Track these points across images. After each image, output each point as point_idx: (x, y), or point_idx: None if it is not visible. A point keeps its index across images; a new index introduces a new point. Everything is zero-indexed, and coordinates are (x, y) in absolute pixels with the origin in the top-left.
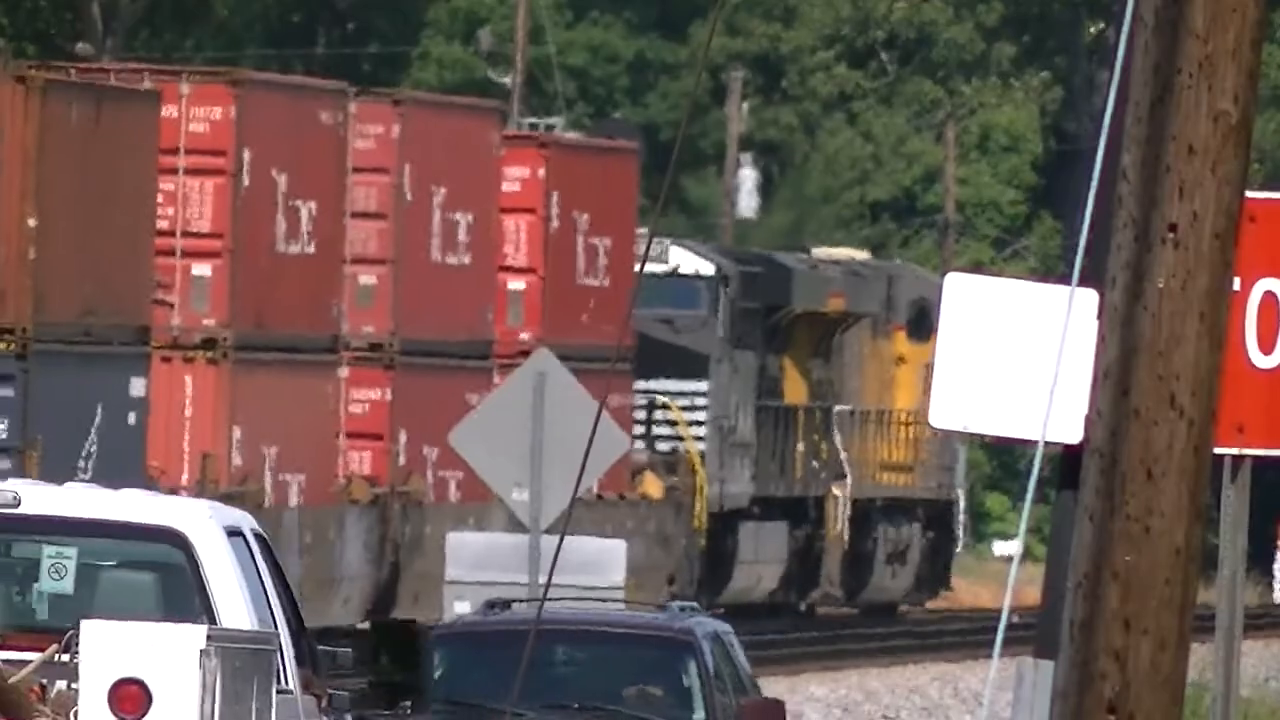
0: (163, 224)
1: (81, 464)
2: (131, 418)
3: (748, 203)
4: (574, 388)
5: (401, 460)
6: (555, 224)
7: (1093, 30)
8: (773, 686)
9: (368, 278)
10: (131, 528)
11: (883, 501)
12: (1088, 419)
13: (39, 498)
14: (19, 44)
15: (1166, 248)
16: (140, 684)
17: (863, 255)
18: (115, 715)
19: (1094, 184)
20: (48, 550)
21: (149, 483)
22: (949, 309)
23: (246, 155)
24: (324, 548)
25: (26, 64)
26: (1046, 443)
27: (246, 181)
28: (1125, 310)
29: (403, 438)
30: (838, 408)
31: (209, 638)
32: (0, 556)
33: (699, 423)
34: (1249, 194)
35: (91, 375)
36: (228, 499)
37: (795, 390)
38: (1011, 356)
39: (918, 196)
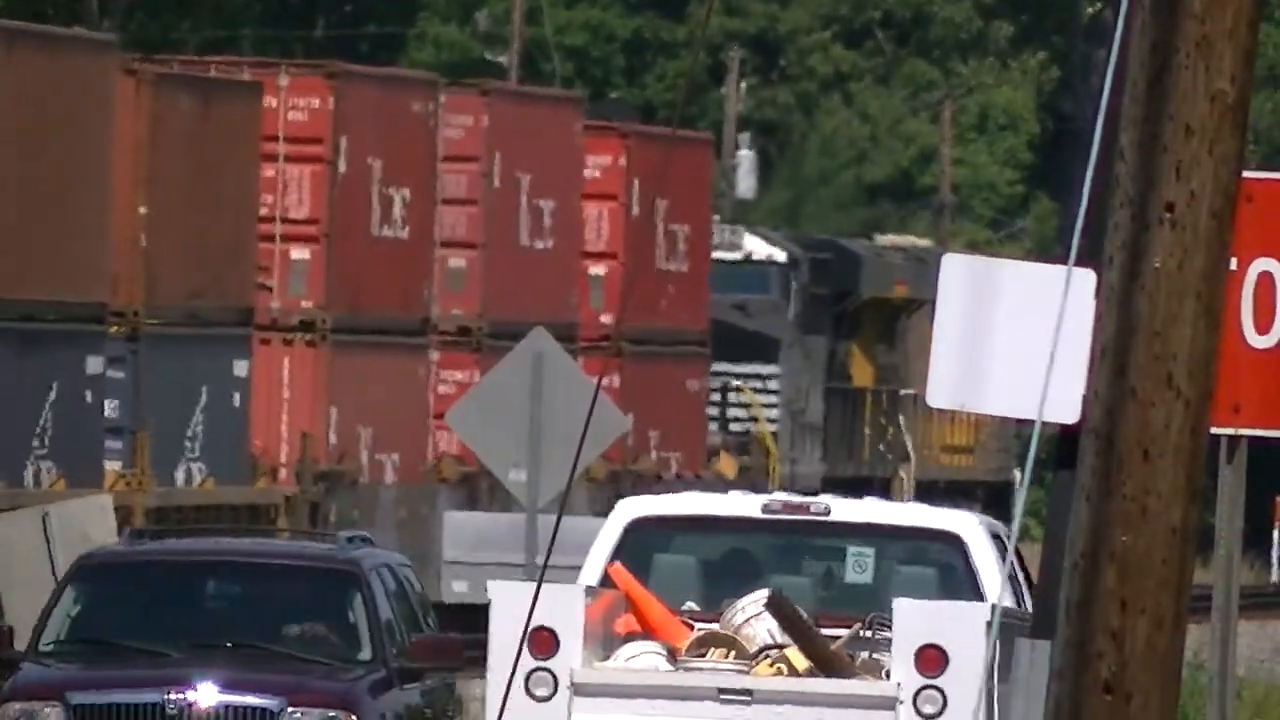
0: (262, 210)
1: (188, 444)
2: (235, 398)
3: (746, 183)
4: (571, 367)
5: None
6: (635, 210)
7: (1090, 10)
8: None
9: (457, 262)
10: (918, 531)
11: (944, 483)
12: (1085, 399)
13: (843, 508)
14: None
15: (1164, 227)
16: (939, 648)
17: (925, 242)
18: (919, 673)
19: (1091, 164)
20: (851, 549)
21: (251, 461)
22: (946, 289)
23: (343, 144)
24: (418, 524)
25: (137, 57)
26: (1044, 422)
27: (343, 169)
28: (1122, 290)
29: None
30: (902, 391)
31: (992, 612)
32: (814, 555)
33: (771, 405)
34: (1246, 174)
35: (198, 357)
36: (325, 477)
37: (862, 374)
38: (1009, 336)
39: (915, 177)
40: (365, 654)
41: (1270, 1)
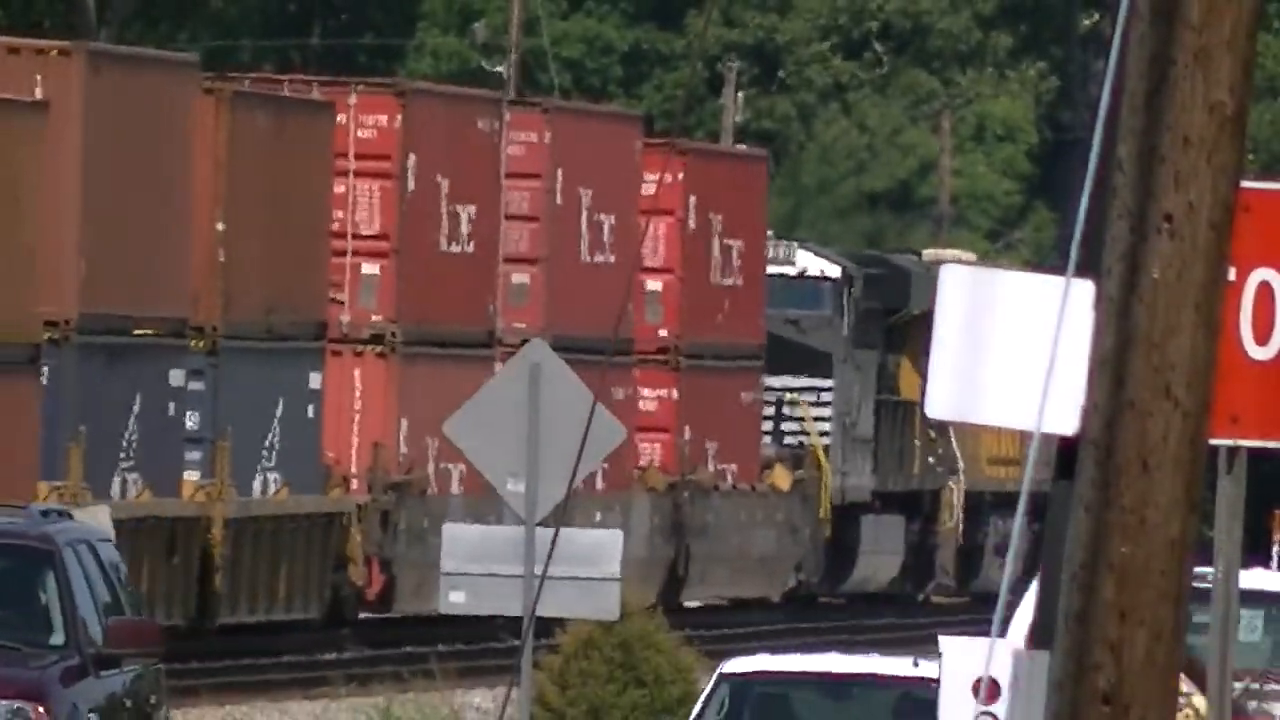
0: (333, 226)
1: (265, 454)
2: (310, 410)
3: None
4: (569, 378)
5: None
6: (692, 226)
7: (1088, 21)
8: None
9: (520, 276)
10: None
11: (991, 495)
12: (1084, 410)
13: (1252, 578)
14: (14, 36)
15: (1162, 238)
16: None
17: (970, 256)
18: None
19: (1090, 174)
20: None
21: (325, 471)
22: (944, 300)
23: (411, 160)
24: None
25: (214, 76)
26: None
27: (411, 185)
28: (1121, 301)
29: None
30: None
31: None
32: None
33: (823, 418)
34: (1245, 184)
35: (274, 370)
36: (396, 487)
37: (911, 388)
38: (1007, 347)
39: (914, 188)
40: (58, 639)
41: (1269, 12)
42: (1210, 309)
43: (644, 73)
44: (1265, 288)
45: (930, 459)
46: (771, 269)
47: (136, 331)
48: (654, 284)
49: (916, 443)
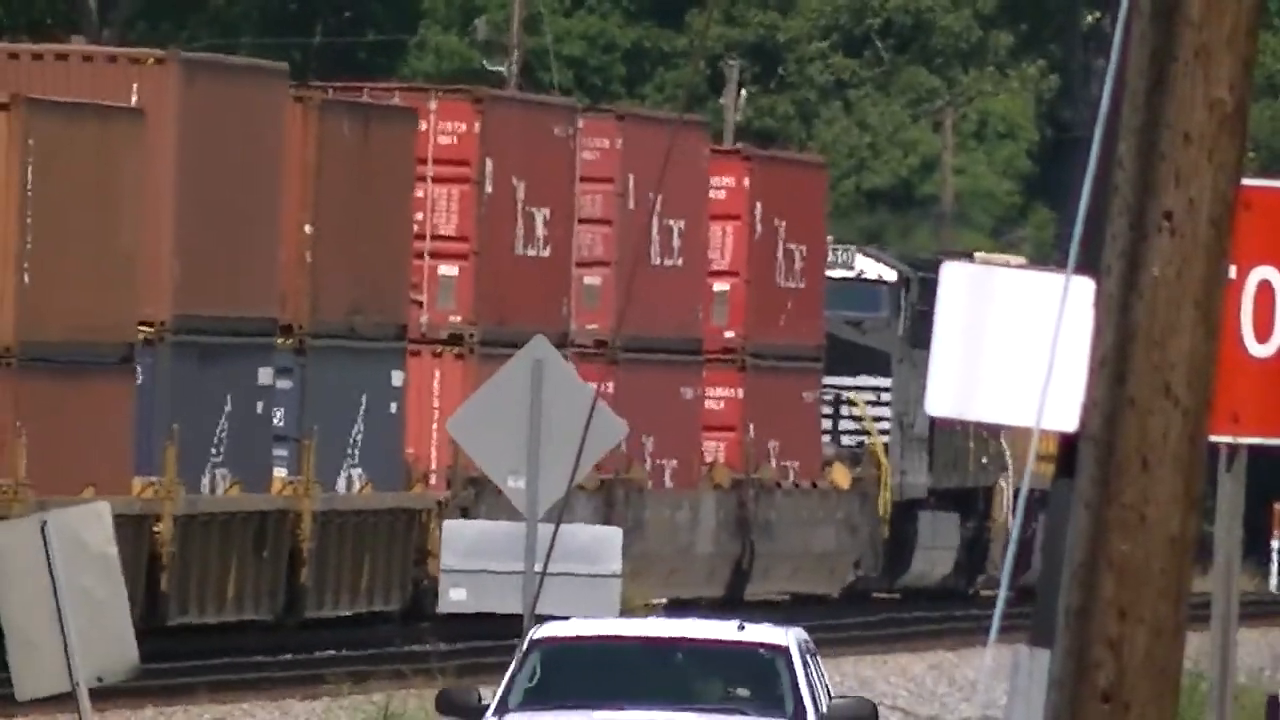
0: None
1: (349, 451)
2: (392, 407)
3: None
4: (570, 375)
5: (623, 449)
6: (758, 230)
7: (1089, 19)
8: None
9: (593, 279)
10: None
11: (1040, 492)
12: (1084, 407)
13: None
14: (14, 34)
15: (1162, 235)
16: None
17: (1019, 260)
18: None
19: (1090, 172)
20: None
21: (406, 468)
22: (945, 297)
23: (489, 165)
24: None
25: (303, 84)
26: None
27: (489, 189)
28: (1121, 298)
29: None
30: None
31: None
32: None
33: (882, 418)
34: (1245, 182)
35: (357, 369)
36: (475, 482)
37: None
38: (1008, 344)
39: (915, 186)
40: None
41: (1269, 10)
42: (1210, 307)
43: (645, 71)
44: (1265, 286)
45: (983, 457)
46: (831, 272)
47: (227, 332)
48: (721, 286)
49: (970, 443)
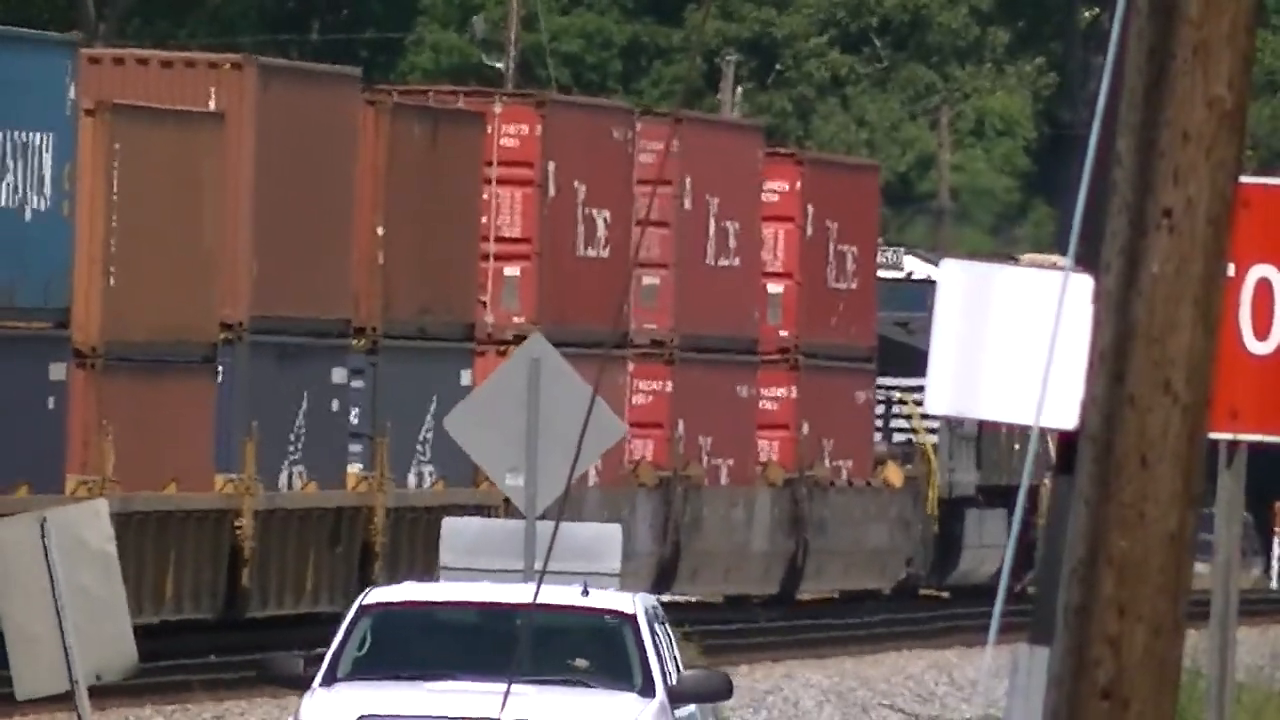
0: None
1: (420, 448)
2: None
3: None
4: (568, 374)
5: (681, 449)
6: (810, 232)
7: (1087, 15)
8: (768, 671)
9: (651, 279)
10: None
11: None
12: (1083, 404)
13: None
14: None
15: (1161, 233)
16: None
17: (1065, 260)
18: None
19: (1088, 169)
20: None
21: (474, 464)
22: (944, 295)
23: (551, 168)
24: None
25: (369, 87)
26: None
27: (552, 192)
28: (1120, 296)
29: (681, 426)
30: None
31: None
32: None
33: (930, 416)
34: (1244, 180)
35: (427, 368)
36: None
37: None
38: (1007, 342)
39: (913, 183)
40: None
41: (1266, 7)
42: (1209, 304)
43: (642, 67)
44: (1264, 284)
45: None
46: (881, 274)
47: (303, 332)
48: (775, 287)
49: (1016, 443)
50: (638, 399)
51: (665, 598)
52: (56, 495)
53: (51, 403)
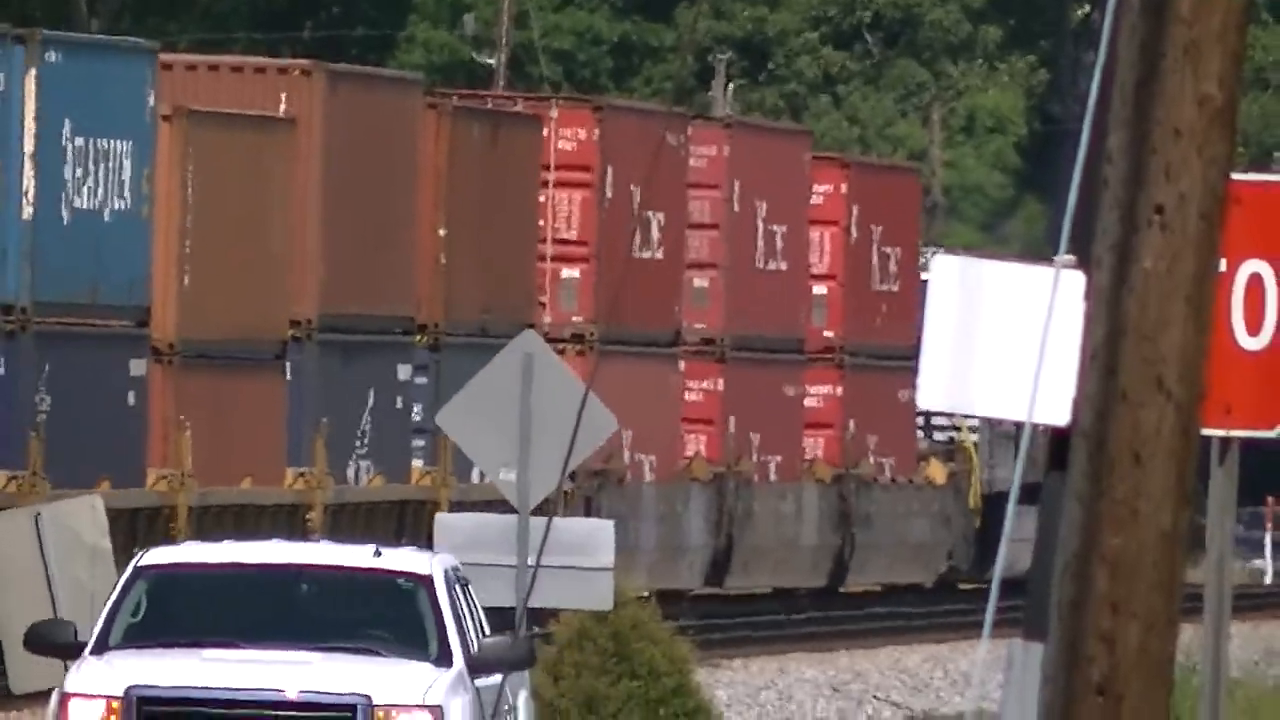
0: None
1: None
2: None
3: None
4: (560, 369)
5: (731, 444)
6: (854, 234)
7: (1079, 13)
8: (763, 665)
9: (701, 281)
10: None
11: None
12: (1076, 401)
13: None
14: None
15: (1153, 230)
16: None
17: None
18: None
19: (1079, 166)
20: None
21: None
22: (936, 289)
23: (609, 171)
24: (673, 519)
25: (431, 90)
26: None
27: (609, 195)
28: (1112, 292)
29: (732, 423)
30: None
31: None
32: None
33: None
34: (1235, 176)
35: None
36: (597, 475)
37: None
38: (999, 337)
39: None
40: None
41: (1257, 4)
42: (1201, 300)
43: (634, 65)
44: (1256, 279)
45: None
46: (922, 275)
47: (370, 330)
48: (820, 289)
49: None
50: (691, 396)
51: (718, 590)
52: (138, 489)
53: (132, 398)
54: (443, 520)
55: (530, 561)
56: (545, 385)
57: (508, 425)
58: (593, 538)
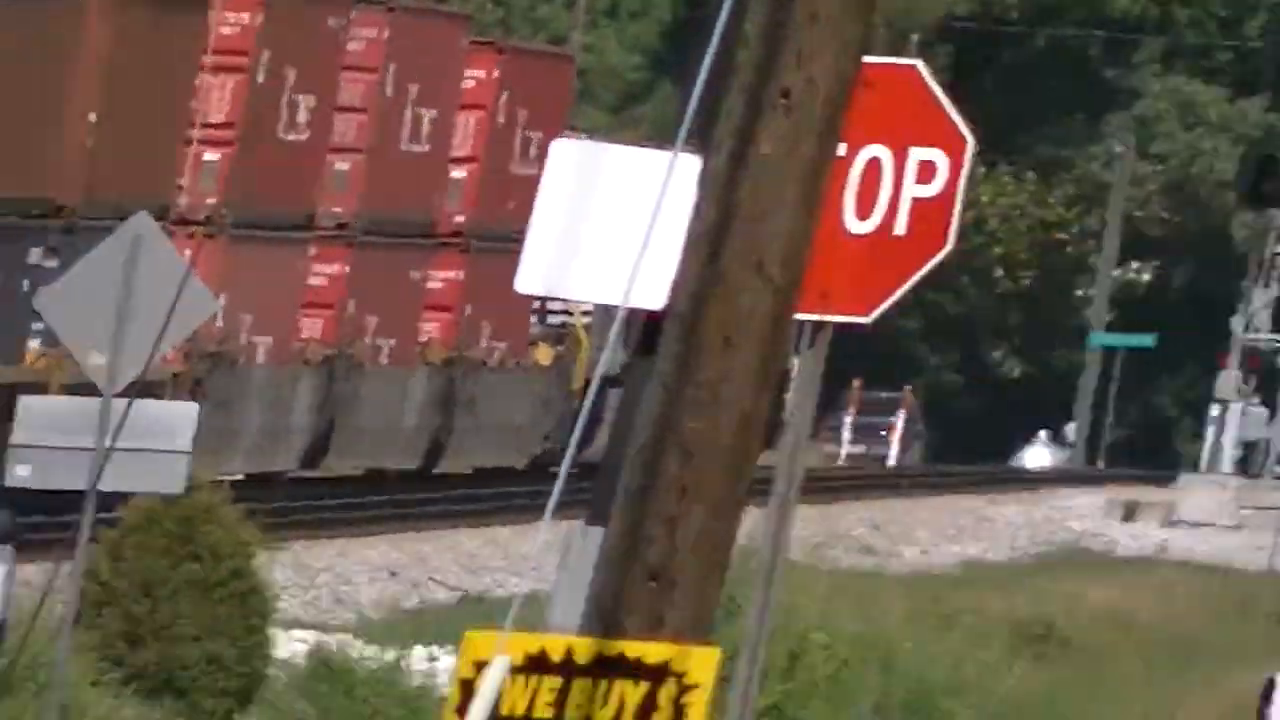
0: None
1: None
2: None
3: None
4: (168, 250)
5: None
6: (501, 119)
7: None
8: (323, 549)
9: (343, 165)
10: None
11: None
12: (673, 285)
13: None
14: None
15: (777, 113)
16: None
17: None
18: None
19: (712, 49)
20: None
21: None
22: (550, 174)
23: (264, 55)
24: (281, 404)
25: None
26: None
27: (260, 79)
28: (727, 176)
29: (351, 307)
30: None
31: None
32: None
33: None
34: (868, 59)
35: None
36: (208, 357)
37: None
38: (608, 222)
39: None
40: None
41: None
42: (814, 186)
43: None
44: (874, 163)
45: None
46: None
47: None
48: (458, 173)
49: None
50: (315, 280)
51: (310, 473)
52: None
53: None
54: (26, 403)
55: (108, 444)
56: (152, 268)
57: (107, 308)
58: (173, 420)
